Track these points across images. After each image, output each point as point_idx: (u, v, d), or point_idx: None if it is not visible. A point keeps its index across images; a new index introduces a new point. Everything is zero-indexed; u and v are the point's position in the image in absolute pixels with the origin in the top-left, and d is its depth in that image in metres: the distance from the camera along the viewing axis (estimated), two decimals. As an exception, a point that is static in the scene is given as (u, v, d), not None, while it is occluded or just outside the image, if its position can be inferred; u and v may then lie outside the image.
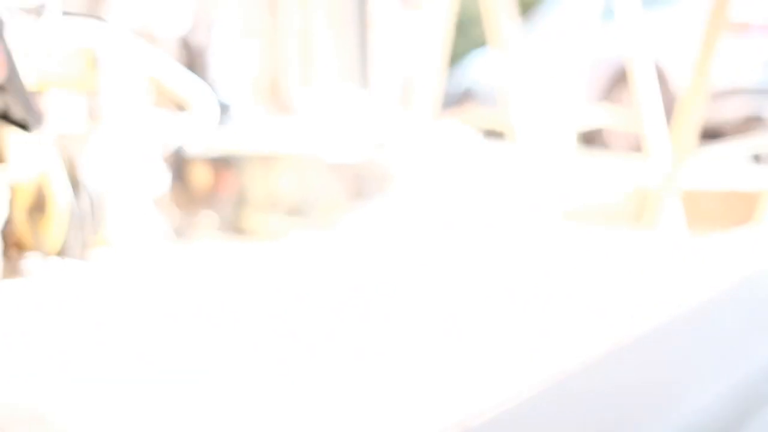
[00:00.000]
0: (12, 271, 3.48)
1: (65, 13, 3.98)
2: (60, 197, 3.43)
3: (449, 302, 2.96)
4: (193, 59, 4.83)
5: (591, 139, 9.23)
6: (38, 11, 3.69)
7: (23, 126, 3.18)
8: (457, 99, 11.44)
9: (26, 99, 3.29)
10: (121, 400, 2.06)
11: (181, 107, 4.47)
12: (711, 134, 7.36)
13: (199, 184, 4.88)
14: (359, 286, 3.19)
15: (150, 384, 2.17)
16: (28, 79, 3.33)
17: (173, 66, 4.36)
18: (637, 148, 6.37)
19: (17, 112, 3.20)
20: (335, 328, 2.66)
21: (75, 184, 3.48)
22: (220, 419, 1.98)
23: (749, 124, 8.66)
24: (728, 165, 6.05)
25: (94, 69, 3.71)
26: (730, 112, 8.68)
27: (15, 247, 3.54)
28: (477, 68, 11.94)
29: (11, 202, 3.44)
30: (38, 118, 3.35)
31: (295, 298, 3.08)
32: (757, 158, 7.02)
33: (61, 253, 3.47)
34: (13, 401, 2.03)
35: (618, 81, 9.29)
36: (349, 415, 2.00)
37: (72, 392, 2.10)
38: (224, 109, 4.90)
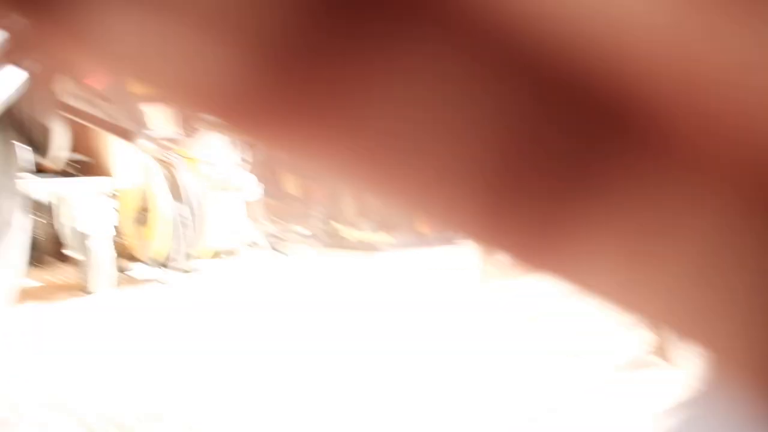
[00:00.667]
0: (121, 278, 3.48)
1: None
2: (163, 206, 3.42)
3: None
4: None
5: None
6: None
7: (126, 135, 3.18)
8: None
9: (130, 108, 3.29)
10: (224, 407, 2.02)
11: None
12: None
13: (292, 195, 4.86)
14: (455, 303, 3.11)
15: (251, 393, 2.13)
16: (133, 87, 3.33)
17: None
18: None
19: (120, 121, 3.20)
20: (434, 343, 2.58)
21: (177, 193, 3.47)
22: None
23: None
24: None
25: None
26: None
27: (123, 255, 3.54)
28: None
29: (118, 211, 3.45)
30: (142, 127, 3.35)
31: (390, 312, 3.01)
32: None
33: (165, 261, 3.46)
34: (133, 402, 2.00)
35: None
36: None
37: (181, 397, 2.06)
38: None
